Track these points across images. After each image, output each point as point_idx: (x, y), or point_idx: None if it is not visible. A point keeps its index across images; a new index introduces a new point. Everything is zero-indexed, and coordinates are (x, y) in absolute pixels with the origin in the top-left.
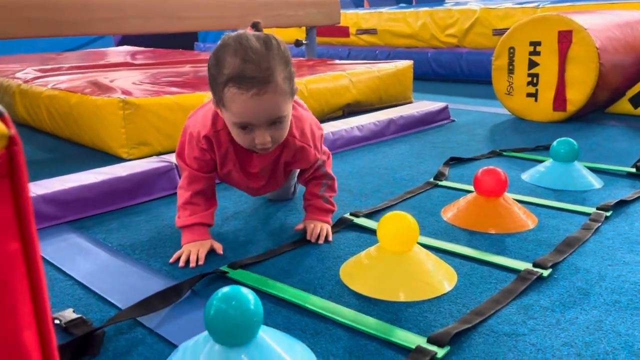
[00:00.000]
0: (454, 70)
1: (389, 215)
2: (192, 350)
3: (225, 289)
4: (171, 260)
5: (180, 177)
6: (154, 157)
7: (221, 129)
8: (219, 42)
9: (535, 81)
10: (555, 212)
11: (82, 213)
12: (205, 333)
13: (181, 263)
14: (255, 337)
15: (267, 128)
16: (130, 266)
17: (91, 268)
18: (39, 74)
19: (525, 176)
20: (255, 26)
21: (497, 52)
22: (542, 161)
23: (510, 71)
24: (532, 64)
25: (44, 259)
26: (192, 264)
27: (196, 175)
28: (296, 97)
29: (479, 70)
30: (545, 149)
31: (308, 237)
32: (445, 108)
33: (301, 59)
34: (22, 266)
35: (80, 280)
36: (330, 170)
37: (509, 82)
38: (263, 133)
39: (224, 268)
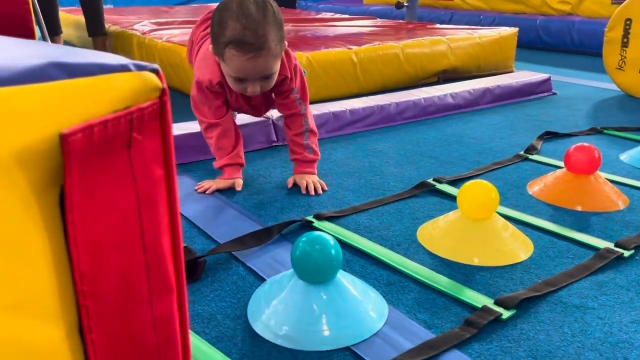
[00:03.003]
0: (563, 39)
1: (470, 183)
2: (278, 284)
3: (311, 234)
4: (197, 188)
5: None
6: None
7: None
8: (221, 3)
9: None
10: None
11: (188, 158)
12: (291, 270)
13: (199, 190)
14: (334, 278)
15: (259, 80)
16: (228, 208)
17: (195, 206)
18: (155, 27)
19: (625, 157)
20: None
21: (611, 22)
22: None
23: (624, 44)
24: None
25: None
26: (200, 190)
27: (213, 123)
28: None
29: (591, 41)
30: None
31: (303, 192)
32: (548, 80)
33: (401, 21)
34: (164, 188)
35: (186, 215)
36: (308, 110)
37: (622, 55)
38: (254, 84)
39: (310, 218)
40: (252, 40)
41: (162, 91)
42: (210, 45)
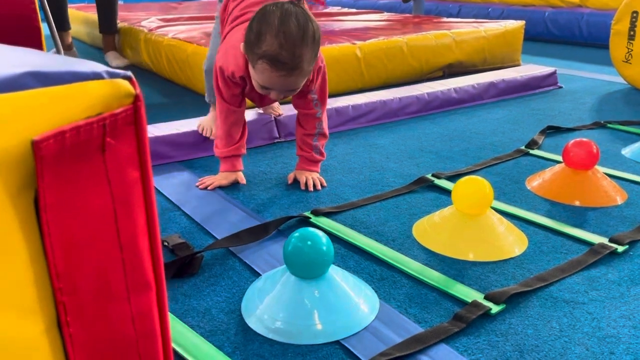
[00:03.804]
0: (572, 32)
1: (465, 179)
2: (272, 279)
3: (303, 230)
4: (198, 184)
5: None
6: (256, 109)
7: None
8: (263, 10)
9: None
10: None
11: (191, 155)
12: (284, 266)
13: (201, 186)
14: (326, 274)
15: (283, 92)
16: (228, 204)
17: (196, 202)
18: (162, 23)
19: (627, 151)
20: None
21: (618, 15)
22: None
23: (631, 37)
24: None
25: (158, 191)
26: (201, 186)
27: (230, 109)
28: None
29: (600, 34)
30: None
31: (302, 188)
32: (553, 73)
33: (408, 15)
34: (140, 189)
35: (186, 212)
36: (324, 113)
37: (629, 48)
38: (278, 95)
39: (307, 213)
40: (287, 61)
41: (136, 97)
42: (242, 44)
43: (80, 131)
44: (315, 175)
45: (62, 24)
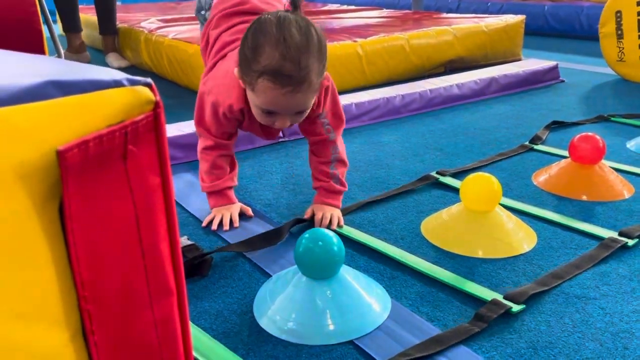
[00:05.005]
0: (572, 25)
1: (473, 175)
2: (283, 280)
3: (314, 230)
4: (203, 225)
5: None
6: None
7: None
8: (257, 22)
9: None
10: None
11: (195, 156)
12: (295, 266)
13: (214, 226)
14: (337, 274)
15: (290, 116)
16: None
17: (203, 204)
18: (162, 24)
19: (631, 144)
20: (294, 3)
21: (603, 19)
22: None
23: (619, 36)
24: None
25: None
26: (226, 227)
27: (219, 143)
28: None
29: None
30: None
31: (317, 226)
32: (555, 67)
33: (407, 11)
34: (161, 195)
35: (194, 214)
36: (340, 138)
37: (620, 47)
38: (284, 120)
39: None
40: (292, 73)
41: (156, 104)
42: (237, 69)
43: (103, 140)
44: (336, 213)
45: (74, 25)
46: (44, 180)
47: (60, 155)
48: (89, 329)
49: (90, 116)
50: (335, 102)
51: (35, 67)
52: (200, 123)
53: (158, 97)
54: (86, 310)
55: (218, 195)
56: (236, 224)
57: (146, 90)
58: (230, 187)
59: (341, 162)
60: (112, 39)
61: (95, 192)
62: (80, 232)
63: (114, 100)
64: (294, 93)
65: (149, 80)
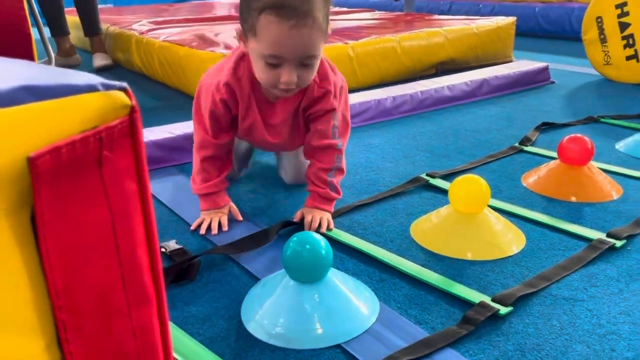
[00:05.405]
0: (563, 26)
1: (461, 177)
2: (270, 284)
3: (302, 234)
4: (192, 228)
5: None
6: None
7: (242, 75)
8: None
9: (631, 42)
10: None
11: (186, 159)
12: (283, 270)
13: (202, 231)
14: (325, 277)
15: (296, 66)
16: None
17: (193, 207)
18: (153, 26)
19: (620, 145)
20: None
21: (584, 26)
22: None
23: (603, 40)
24: (624, 26)
25: (154, 196)
26: (214, 231)
27: (207, 141)
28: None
29: None
30: None
31: (306, 229)
32: (546, 69)
33: (399, 13)
34: (138, 201)
35: (183, 217)
36: (344, 145)
37: (605, 51)
38: (291, 71)
39: None
40: (295, 4)
41: (132, 108)
42: (237, 26)
43: (76, 146)
44: (326, 216)
45: (61, 29)
46: (14, 187)
47: (32, 162)
48: (64, 338)
49: (64, 122)
50: (346, 106)
51: (8, 72)
52: (196, 115)
53: (134, 102)
54: (61, 320)
55: (208, 198)
56: (225, 227)
57: (121, 94)
58: (220, 190)
59: (340, 170)
60: (98, 39)
61: (69, 199)
62: (54, 240)
63: (88, 105)
64: (299, 28)
65: (124, 84)
